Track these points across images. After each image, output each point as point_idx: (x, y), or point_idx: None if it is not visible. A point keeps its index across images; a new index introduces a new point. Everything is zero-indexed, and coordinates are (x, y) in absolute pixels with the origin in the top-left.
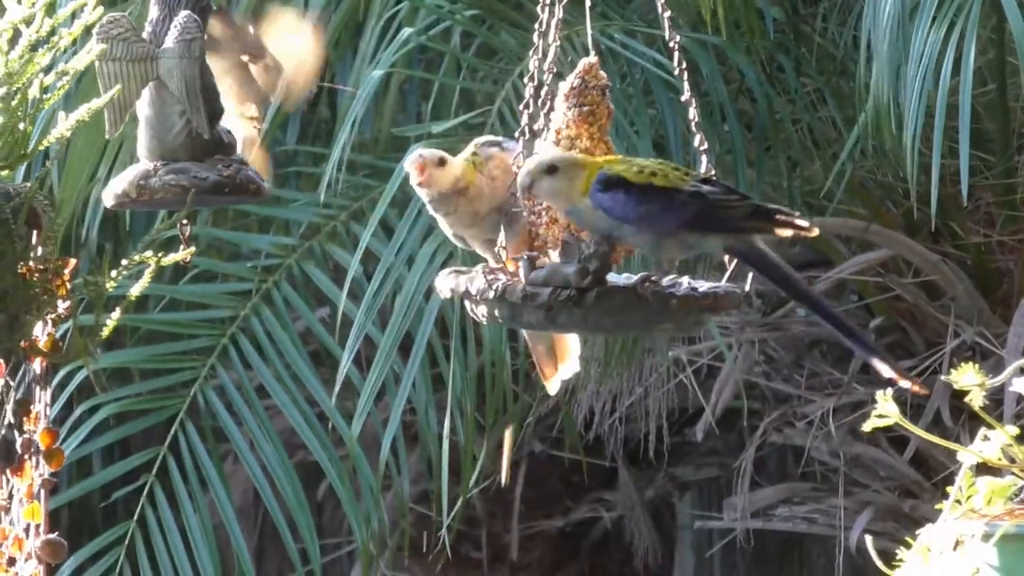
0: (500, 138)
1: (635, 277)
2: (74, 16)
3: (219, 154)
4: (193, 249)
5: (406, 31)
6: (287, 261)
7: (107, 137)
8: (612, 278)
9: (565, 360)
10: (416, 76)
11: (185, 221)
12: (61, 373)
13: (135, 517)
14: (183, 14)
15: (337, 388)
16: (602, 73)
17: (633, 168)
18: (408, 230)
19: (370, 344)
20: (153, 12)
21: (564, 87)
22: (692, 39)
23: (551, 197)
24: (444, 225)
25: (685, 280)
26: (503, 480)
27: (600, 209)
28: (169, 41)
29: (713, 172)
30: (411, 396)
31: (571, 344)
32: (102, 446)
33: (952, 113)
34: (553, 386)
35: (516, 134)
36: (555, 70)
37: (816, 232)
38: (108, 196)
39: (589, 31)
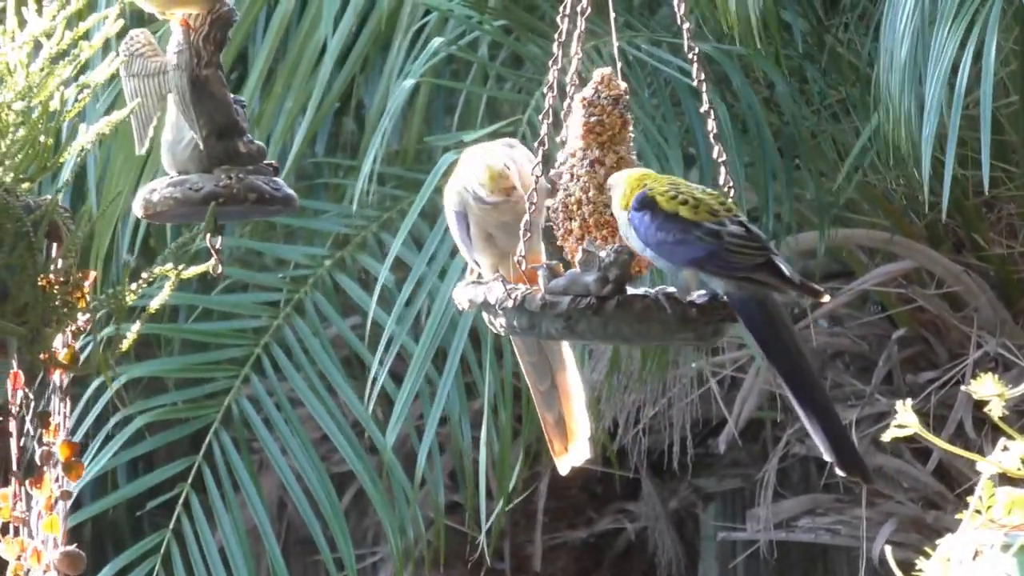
0: (512, 140)
1: (654, 289)
2: (96, 28)
3: (234, 164)
4: (214, 262)
5: (435, 41)
6: (319, 271)
7: (137, 153)
8: (631, 289)
9: (574, 439)
10: (443, 89)
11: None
12: (94, 384)
13: (172, 525)
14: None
15: (373, 398)
16: (619, 83)
17: (670, 192)
18: (440, 241)
19: (398, 353)
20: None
21: (579, 98)
22: (720, 50)
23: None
24: (477, 222)
25: (704, 290)
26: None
27: (632, 227)
28: (169, 55)
29: (731, 183)
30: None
31: (580, 419)
32: (127, 460)
33: (972, 124)
34: (563, 467)
35: (536, 144)
36: (577, 81)
37: (827, 298)
38: (136, 208)
39: (615, 43)
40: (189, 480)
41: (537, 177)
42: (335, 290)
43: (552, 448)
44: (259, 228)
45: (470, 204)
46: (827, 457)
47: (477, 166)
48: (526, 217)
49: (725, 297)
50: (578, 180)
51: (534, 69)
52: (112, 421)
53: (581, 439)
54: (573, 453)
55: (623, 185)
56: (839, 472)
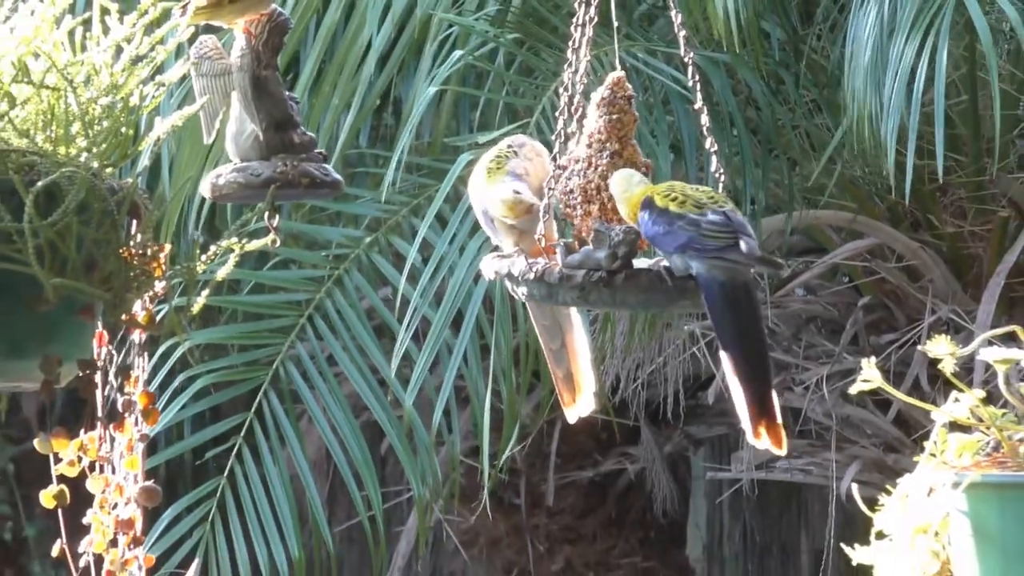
0: (525, 136)
1: (658, 263)
2: (170, 34)
3: (290, 153)
4: (273, 236)
5: (457, 52)
6: (356, 251)
7: (205, 143)
8: (637, 262)
9: (581, 393)
10: (467, 92)
11: (271, 213)
12: (163, 347)
13: (225, 472)
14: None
15: (397, 360)
16: (628, 85)
17: (665, 192)
18: (460, 223)
19: (424, 320)
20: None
21: (595, 97)
22: (706, 57)
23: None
24: (501, 222)
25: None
26: None
27: (639, 224)
28: (233, 58)
29: (722, 171)
30: (462, 365)
31: (586, 375)
32: (194, 412)
33: (928, 120)
34: (572, 416)
35: (552, 137)
36: (586, 82)
37: (786, 273)
38: (204, 191)
39: (617, 51)
40: (242, 433)
41: (556, 167)
42: (371, 267)
43: (562, 400)
44: (306, 212)
45: (496, 216)
46: (744, 425)
47: (493, 198)
48: (544, 200)
49: (696, 276)
50: (597, 169)
51: (543, 77)
52: (178, 379)
53: (587, 392)
54: (580, 405)
55: (633, 196)
56: (751, 441)
